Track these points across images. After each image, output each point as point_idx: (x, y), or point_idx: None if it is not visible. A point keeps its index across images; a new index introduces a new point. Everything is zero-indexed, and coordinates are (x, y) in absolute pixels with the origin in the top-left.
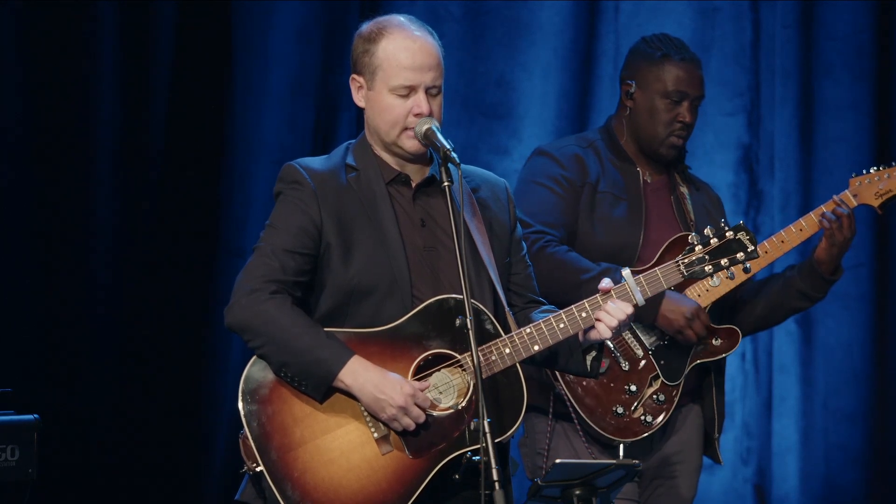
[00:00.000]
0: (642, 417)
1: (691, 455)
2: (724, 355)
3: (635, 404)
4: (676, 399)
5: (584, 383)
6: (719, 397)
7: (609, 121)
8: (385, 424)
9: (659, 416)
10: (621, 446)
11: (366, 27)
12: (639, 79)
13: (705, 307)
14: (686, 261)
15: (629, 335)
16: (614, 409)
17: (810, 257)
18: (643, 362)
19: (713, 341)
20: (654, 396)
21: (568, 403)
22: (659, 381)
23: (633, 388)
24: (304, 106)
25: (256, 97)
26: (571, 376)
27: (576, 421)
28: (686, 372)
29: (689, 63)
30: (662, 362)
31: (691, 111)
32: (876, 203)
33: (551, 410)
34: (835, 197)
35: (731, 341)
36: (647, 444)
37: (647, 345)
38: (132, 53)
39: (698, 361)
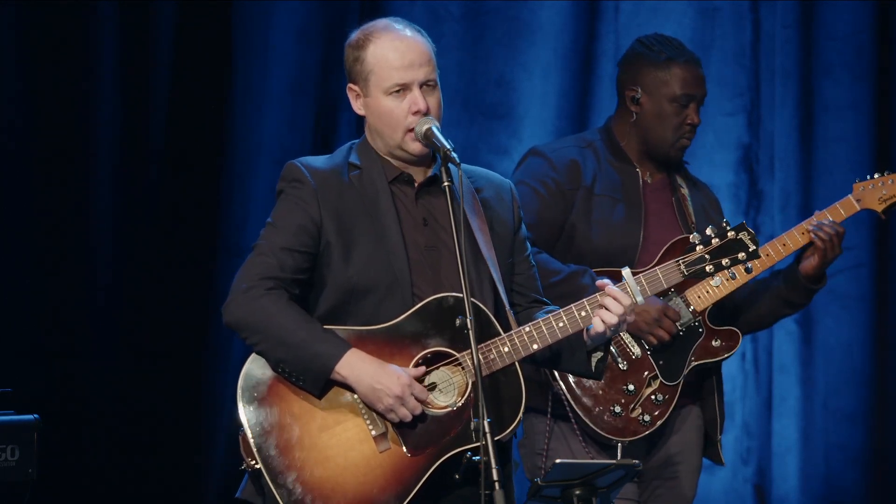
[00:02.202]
0: (641, 417)
1: (691, 456)
2: (723, 357)
3: (633, 404)
4: (675, 399)
5: (583, 383)
6: (719, 398)
7: (609, 122)
8: (381, 416)
9: (657, 415)
10: (619, 446)
11: (353, 36)
12: (644, 84)
13: (706, 308)
14: (687, 260)
15: (627, 335)
16: (612, 408)
17: (794, 268)
18: (642, 362)
19: (713, 342)
20: (653, 396)
21: (566, 403)
22: (658, 382)
23: (632, 387)
24: (304, 106)
25: (256, 97)
26: (569, 376)
27: (573, 421)
28: (685, 372)
29: (692, 64)
30: (661, 362)
31: (698, 112)
32: (879, 208)
33: (549, 411)
34: (816, 213)
35: (731, 343)
36: (647, 444)
37: (646, 345)
38: (132, 53)
39: (698, 362)
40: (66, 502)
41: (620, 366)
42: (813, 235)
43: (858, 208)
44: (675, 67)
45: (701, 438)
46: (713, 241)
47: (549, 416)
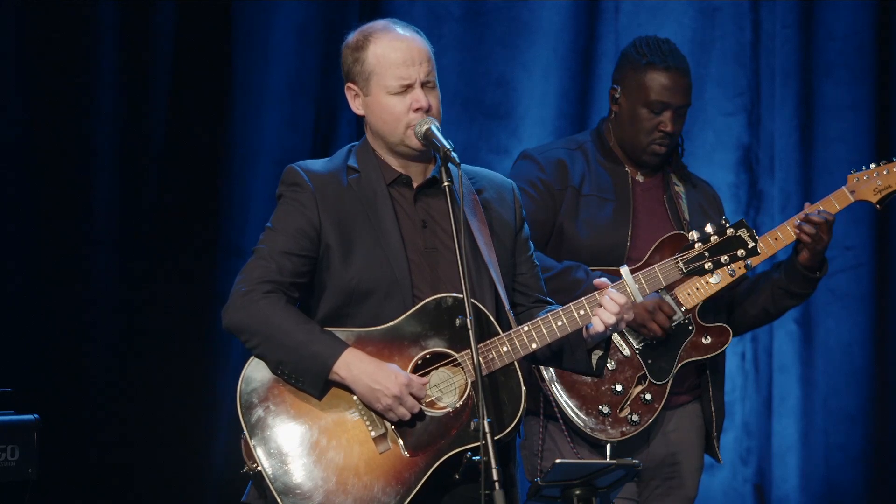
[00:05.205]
0: (629, 417)
1: (692, 455)
2: (713, 354)
3: (622, 404)
4: (665, 398)
5: (571, 384)
6: (718, 396)
7: (601, 123)
8: (381, 417)
9: (646, 415)
10: (608, 446)
11: (351, 37)
12: (623, 85)
13: (696, 305)
14: (685, 258)
15: (616, 335)
16: (600, 408)
17: (793, 259)
18: (630, 362)
19: (703, 339)
20: (642, 396)
21: (553, 405)
22: (646, 381)
23: (619, 387)
24: (304, 106)
25: (256, 97)
26: (556, 376)
27: (561, 421)
28: (674, 371)
29: (673, 72)
30: (650, 361)
31: (674, 120)
32: (874, 199)
33: (542, 412)
34: (807, 205)
35: (721, 340)
36: (639, 444)
37: (635, 344)
38: (132, 53)
39: (687, 360)
40: (66, 502)
41: (609, 366)
42: (799, 232)
43: (852, 199)
44: (653, 73)
45: (701, 438)
46: (712, 238)
47: (541, 417)
